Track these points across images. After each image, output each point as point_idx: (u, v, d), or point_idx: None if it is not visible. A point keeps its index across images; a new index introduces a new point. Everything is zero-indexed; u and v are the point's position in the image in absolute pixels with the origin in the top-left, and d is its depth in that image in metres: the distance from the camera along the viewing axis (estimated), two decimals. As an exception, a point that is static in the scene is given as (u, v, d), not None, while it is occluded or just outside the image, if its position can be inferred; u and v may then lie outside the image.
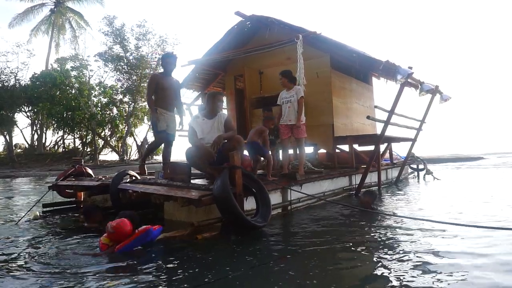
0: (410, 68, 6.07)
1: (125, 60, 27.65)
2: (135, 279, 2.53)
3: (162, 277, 2.61)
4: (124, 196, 4.48)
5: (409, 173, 11.44)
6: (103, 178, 6.13)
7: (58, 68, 29.81)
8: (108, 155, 32.42)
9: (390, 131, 7.49)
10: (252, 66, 8.32)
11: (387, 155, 9.94)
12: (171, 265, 2.85)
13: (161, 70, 5.96)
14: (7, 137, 28.30)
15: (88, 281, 2.50)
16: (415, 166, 11.66)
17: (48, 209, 6.03)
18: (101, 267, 2.79)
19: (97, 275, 2.61)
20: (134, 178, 5.06)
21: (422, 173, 11.27)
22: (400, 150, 12.49)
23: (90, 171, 7.17)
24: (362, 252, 3.10)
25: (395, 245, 3.25)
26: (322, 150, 8.51)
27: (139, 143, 31.54)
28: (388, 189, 8.09)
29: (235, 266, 2.77)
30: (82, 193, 6.43)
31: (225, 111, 5.59)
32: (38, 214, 5.34)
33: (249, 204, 4.16)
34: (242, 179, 3.91)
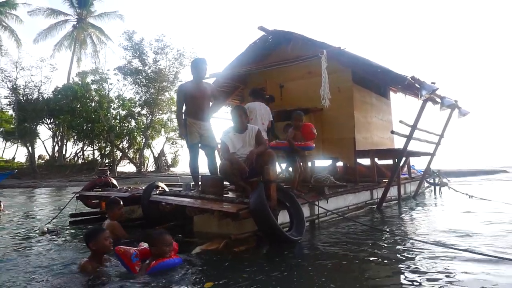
0: (434, 83, 6.08)
1: (144, 73, 28.33)
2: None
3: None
4: (156, 208, 4.50)
5: (425, 187, 11.28)
6: (129, 189, 6.26)
7: (79, 82, 30.67)
8: (126, 167, 32.94)
9: (410, 145, 7.45)
10: (273, 80, 8.43)
11: (405, 169, 9.85)
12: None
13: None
14: (30, 148, 29.08)
15: None
16: (431, 181, 11.48)
17: (74, 219, 6.12)
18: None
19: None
20: (163, 190, 5.15)
21: (438, 187, 11.11)
22: (416, 164, 12.28)
23: (115, 181, 7.33)
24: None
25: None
26: (339, 164, 8.48)
27: (156, 155, 31.98)
28: (408, 203, 8.00)
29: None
30: (107, 203, 6.55)
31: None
32: (46, 229, 5.19)
33: (280, 217, 4.19)
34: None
